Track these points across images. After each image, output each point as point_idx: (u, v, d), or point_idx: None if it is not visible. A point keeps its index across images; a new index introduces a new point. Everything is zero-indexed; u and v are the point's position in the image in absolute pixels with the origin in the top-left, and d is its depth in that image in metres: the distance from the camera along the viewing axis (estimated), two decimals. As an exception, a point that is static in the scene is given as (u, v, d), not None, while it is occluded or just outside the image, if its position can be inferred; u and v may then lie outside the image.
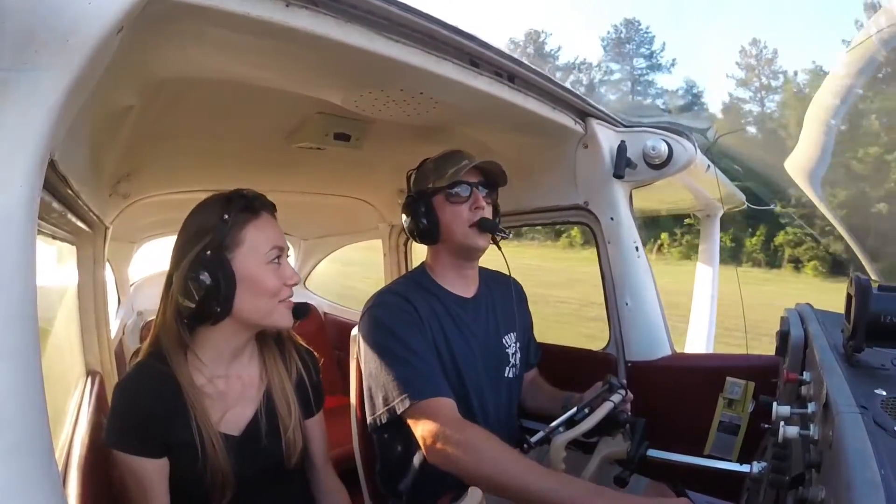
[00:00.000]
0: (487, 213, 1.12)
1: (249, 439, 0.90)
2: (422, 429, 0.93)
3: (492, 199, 1.15)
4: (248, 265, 0.86)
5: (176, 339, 0.87)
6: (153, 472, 0.83)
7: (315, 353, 1.07)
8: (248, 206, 0.90)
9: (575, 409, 0.96)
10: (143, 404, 0.83)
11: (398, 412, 0.96)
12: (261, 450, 0.91)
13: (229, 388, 0.91)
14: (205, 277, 0.83)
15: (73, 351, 1.18)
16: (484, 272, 1.24)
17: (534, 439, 0.93)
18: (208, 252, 0.84)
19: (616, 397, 1.00)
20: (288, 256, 0.95)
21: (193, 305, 0.83)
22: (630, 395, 1.06)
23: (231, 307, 0.85)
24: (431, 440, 0.90)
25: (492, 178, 1.13)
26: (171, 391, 0.85)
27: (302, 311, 0.94)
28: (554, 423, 0.94)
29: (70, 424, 0.90)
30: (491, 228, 1.09)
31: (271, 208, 0.94)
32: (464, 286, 1.18)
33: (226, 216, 0.86)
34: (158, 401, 0.83)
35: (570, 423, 0.95)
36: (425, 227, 1.10)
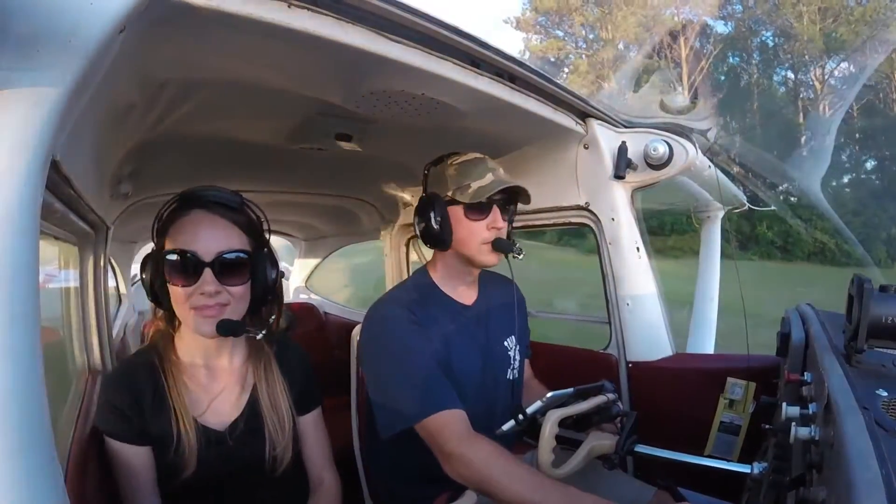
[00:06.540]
0: (503, 230, 1.07)
1: (231, 437, 0.89)
2: (434, 442, 0.94)
3: (509, 213, 1.10)
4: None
5: (166, 323, 0.91)
6: (136, 459, 0.84)
7: (302, 350, 1.05)
8: (180, 203, 0.85)
9: (573, 388, 0.97)
10: (125, 390, 0.85)
11: (412, 424, 0.96)
12: (241, 450, 0.90)
13: (212, 379, 0.92)
14: (144, 274, 0.85)
15: (74, 350, 1.18)
16: (483, 276, 1.23)
17: (529, 410, 0.93)
18: (154, 248, 0.86)
19: (611, 395, 1.00)
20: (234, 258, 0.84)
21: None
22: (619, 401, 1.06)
23: (169, 305, 0.85)
24: (443, 455, 0.92)
25: (513, 194, 1.08)
26: (153, 379, 0.86)
27: (227, 328, 0.83)
28: (550, 395, 0.94)
29: (72, 424, 0.90)
30: (505, 249, 1.07)
31: (211, 206, 0.84)
32: (466, 292, 1.17)
33: (162, 213, 0.86)
34: (139, 388, 0.85)
35: (565, 403, 0.96)
36: (437, 235, 1.06)
